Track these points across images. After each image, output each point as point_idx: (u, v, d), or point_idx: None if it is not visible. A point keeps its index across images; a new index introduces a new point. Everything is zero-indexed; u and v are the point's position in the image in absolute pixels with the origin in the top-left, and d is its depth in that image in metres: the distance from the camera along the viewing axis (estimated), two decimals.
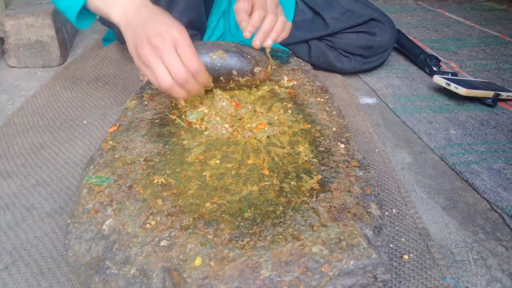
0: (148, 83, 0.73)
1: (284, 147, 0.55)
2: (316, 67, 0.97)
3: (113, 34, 1.06)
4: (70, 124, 0.77)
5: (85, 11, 0.63)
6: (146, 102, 0.66)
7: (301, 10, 0.99)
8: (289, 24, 0.67)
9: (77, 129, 0.75)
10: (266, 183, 0.48)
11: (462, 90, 0.84)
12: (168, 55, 0.52)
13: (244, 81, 0.67)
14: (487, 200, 0.61)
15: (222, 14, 0.97)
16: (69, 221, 0.43)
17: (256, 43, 0.64)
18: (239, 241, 0.40)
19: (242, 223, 0.43)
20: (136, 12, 0.57)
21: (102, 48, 1.10)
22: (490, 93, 0.86)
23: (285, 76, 0.74)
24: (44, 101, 0.85)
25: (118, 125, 0.60)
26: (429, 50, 1.15)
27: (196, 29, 0.89)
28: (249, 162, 0.52)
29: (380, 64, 1.00)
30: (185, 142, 0.56)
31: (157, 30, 0.53)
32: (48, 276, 0.47)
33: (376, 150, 0.71)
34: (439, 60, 1.02)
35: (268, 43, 0.64)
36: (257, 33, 0.64)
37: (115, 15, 0.58)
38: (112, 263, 0.38)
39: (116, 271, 0.38)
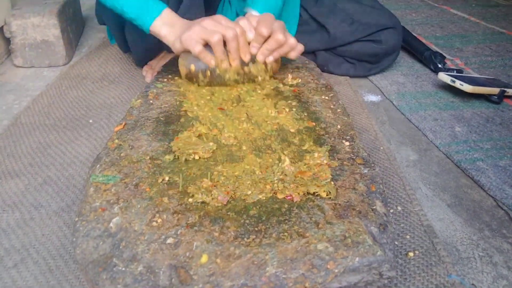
0: (154, 82, 0.73)
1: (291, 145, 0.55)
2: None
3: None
4: (76, 123, 0.78)
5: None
6: (151, 101, 0.66)
7: (305, 20, 0.98)
8: (300, 47, 0.69)
9: (83, 128, 0.76)
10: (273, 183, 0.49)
11: (467, 87, 0.83)
12: (217, 25, 0.64)
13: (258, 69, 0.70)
14: (492, 197, 0.61)
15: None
16: (77, 219, 0.44)
17: (260, 57, 0.68)
18: (245, 239, 0.41)
19: (247, 221, 0.43)
20: (176, 18, 0.70)
21: (107, 47, 1.11)
22: (495, 90, 0.85)
23: (289, 74, 0.75)
24: (50, 101, 0.86)
25: (123, 124, 0.60)
26: (434, 47, 1.14)
27: None
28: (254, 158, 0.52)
29: (386, 67, 1.00)
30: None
31: (203, 17, 0.66)
32: (57, 273, 0.47)
33: (381, 148, 0.71)
34: (444, 57, 1.01)
35: (270, 59, 0.68)
36: (262, 48, 0.67)
37: (165, 35, 0.70)
38: (119, 260, 0.39)
39: (124, 269, 0.38)
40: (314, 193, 0.46)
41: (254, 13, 0.76)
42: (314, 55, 0.98)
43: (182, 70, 0.70)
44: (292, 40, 0.68)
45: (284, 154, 0.53)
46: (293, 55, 0.69)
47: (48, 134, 0.74)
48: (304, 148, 0.55)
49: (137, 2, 0.71)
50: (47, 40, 1.00)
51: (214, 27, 0.64)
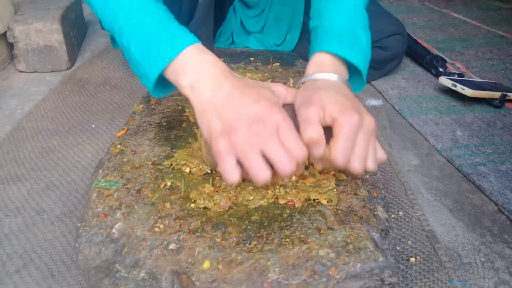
0: None
1: None
2: None
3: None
4: (79, 128, 0.78)
5: (164, 80, 0.48)
6: (153, 106, 0.67)
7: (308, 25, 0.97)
8: (382, 160, 0.46)
9: (86, 133, 0.76)
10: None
11: (468, 91, 0.84)
12: (272, 143, 0.40)
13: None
14: (494, 202, 0.61)
15: (231, 34, 0.98)
16: (79, 224, 0.44)
17: (357, 169, 0.43)
18: (247, 244, 0.41)
19: (249, 226, 0.43)
20: (217, 86, 0.43)
21: (110, 52, 1.11)
22: (497, 94, 0.86)
23: (290, 79, 0.75)
24: (52, 105, 0.86)
25: (126, 129, 0.60)
26: (435, 51, 1.14)
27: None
28: None
29: (389, 71, 1.00)
30: (193, 146, 0.56)
31: (256, 112, 0.41)
32: (59, 279, 0.47)
33: None
34: (445, 61, 1.01)
35: (370, 167, 0.44)
36: (355, 159, 0.42)
37: (187, 88, 0.44)
38: (122, 266, 0.39)
39: (126, 274, 0.38)
40: (314, 199, 0.46)
41: (328, 75, 0.50)
42: None
43: (207, 161, 0.51)
44: (371, 167, 0.44)
45: None
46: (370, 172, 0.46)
47: (50, 139, 0.75)
48: None
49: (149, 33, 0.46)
50: (50, 45, 1.01)
51: (266, 145, 0.40)
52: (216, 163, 0.44)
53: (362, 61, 0.53)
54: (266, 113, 0.41)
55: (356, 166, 0.42)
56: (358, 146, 0.42)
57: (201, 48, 0.46)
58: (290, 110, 0.45)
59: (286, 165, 0.40)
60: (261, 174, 0.39)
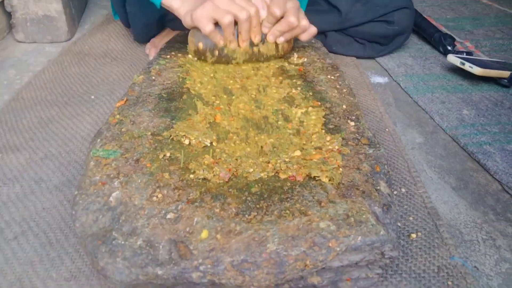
0: (156, 58, 0.72)
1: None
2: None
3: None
4: (78, 99, 0.77)
5: None
6: (153, 77, 0.65)
7: (315, 0, 0.95)
8: (313, 29, 0.66)
9: (85, 104, 0.75)
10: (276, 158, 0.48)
11: (477, 70, 0.81)
12: (231, 4, 0.60)
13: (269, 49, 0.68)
14: (498, 181, 0.60)
15: None
16: (76, 192, 0.43)
17: (270, 38, 0.65)
18: (246, 215, 0.40)
19: (249, 198, 0.42)
20: None
21: (110, 24, 1.09)
22: (506, 73, 0.83)
23: (295, 53, 0.73)
24: (52, 76, 0.85)
25: (125, 99, 0.59)
26: (444, 29, 1.11)
27: None
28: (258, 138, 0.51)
29: (395, 48, 0.97)
30: (193, 118, 0.55)
31: None
32: (56, 246, 0.47)
33: (387, 130, 0.69)
34: (454, 39, 0.99)
35: (281, 40, 0.66)
36: (273, 29, 0.65)
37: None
38: (119, 234, 0.38)
39: (123, 242, 0.38)
40: (315, 177, 0.45)
41: None
42: (323, 35, 0.95)
43: (191, 46, 0.69)
44: (304, 22, 0.65)
45: (292, 143, 0.51)
46: (304, 37, 0.67)
47: (49, 109, 0.74)
48: (311, 132, 0.53)
49: None
50: (49, 15, 0.99)
51: (227, 5, 0.61)
52: (197, 40, 0.66)
53: None
54: None
55: (291, 19, 0.62)
56: (291, 4, 0.63)
57: None
58: None
59: (242, 11, 0.60)
60: (226, 16, 0.59)
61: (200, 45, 0.66)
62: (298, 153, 0.49)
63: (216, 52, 0.66)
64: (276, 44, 0.67)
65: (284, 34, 0.65)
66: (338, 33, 0.94)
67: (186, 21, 0.66)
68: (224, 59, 0.67)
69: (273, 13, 0.62)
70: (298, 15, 0.64)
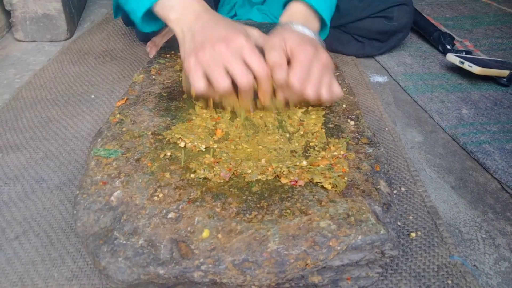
0: (156, 57, 0.72)
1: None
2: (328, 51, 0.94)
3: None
4: (78, 99, 0.77)
5: (151, 15, 0.58)
6: (153, 76, 0.65)
7: None
8: (337, 95, 0.53)
9: (85, 104, 0.75)
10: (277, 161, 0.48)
11: (476, 69, 0.82)
12: (234, 60, 0.47)
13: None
14: (497, 180, 0.60)
15: (234, 6, 0.95)
16: (78, 192, 0.43)
17: (281, 97, 0.53)
18: (247, 215, 0.40)
19: (249, 197, 0.42)
20: (197, 17, 0.53)
21: (110, 23, 1.09)
22: (505, 72, 0.84)
23: None
24: (52, 75, 0.85)
25: (125, 99, 0.59)
26: (443, 28, 1.12)
27: None
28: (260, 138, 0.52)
29: (395, 46, 0.97)
30: (193, 117, 0.55)
31: (221, 35, 0.49)
32: (58, 246, 0.47)
33: (386, 129, 0.70)
34: (453, 38, 0.99)
35: (324, 95, 0.52)
36: (289, 97, 0.53)
37: (173, 22, 0.54)
38: (120, 233, 0.39)
39: (124, 242, 0.38)
40: (317, 183, 0.44)
41: (297, 27, 0.57)
42: None
43: (185, 87, 0.58)
44: (325, 95, 0.51)
45: (296, 152, 0.49)
46: (325, 101, 0.54)
47: (49, 108, 0.74)
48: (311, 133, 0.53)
49: None
50: (48, 14, 0.98)
51: (228, 61, 0.47)
52: (189, 86, 0.52)
53: (327, 13, 0.62)
54: (231, 35, 0.48)
55: (309, 92, 0.49)
56: (313, 74, 0.49)
57: None
58: (260, 51, 0.50)
59: (244, 77, 0.47)
60: (221, 81, 0.47)
61: (193, 93, 0.53)
62: (304, 163, 0.47)
63: (211, 103, 0.55)
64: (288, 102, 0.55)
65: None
66: (337, 30, 0.94)
67: (181, 51, 0.55)
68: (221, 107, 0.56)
69: (292, 85, 0.49)
70: (330, 84, 0.51)
